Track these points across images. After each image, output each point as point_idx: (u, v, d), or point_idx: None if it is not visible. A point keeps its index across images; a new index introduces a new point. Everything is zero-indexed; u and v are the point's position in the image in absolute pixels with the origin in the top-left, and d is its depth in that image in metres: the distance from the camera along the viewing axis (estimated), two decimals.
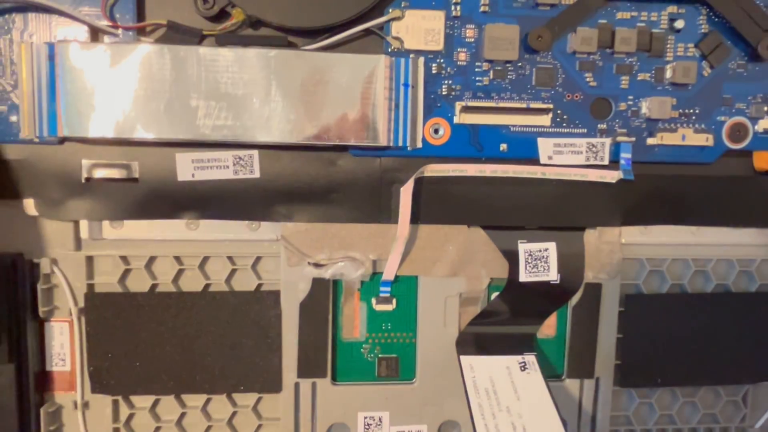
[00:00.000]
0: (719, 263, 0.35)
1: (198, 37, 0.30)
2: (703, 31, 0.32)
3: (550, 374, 0.34)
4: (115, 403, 0.32)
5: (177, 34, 0.30)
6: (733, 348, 0.35)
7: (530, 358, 0.32)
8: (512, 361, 0.32)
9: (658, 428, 0.36)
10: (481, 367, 0.31)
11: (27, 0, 0.29)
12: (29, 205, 0.30)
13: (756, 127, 0.33)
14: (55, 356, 0.32)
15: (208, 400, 0.33)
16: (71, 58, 0.28)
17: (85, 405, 0.32)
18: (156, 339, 0.32)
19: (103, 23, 0.29)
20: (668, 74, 0.32)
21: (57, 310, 0.31)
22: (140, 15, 0.30)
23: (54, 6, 0.29)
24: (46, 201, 0.30)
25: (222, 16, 0.30)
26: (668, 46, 0.32)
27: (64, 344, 0.32)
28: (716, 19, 0.32)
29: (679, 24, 0.32)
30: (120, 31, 0.29)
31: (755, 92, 0.33)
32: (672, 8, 0.32)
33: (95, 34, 0.30)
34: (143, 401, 0.32)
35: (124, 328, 0.31)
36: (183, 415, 0.33)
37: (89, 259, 0.31)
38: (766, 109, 0.33)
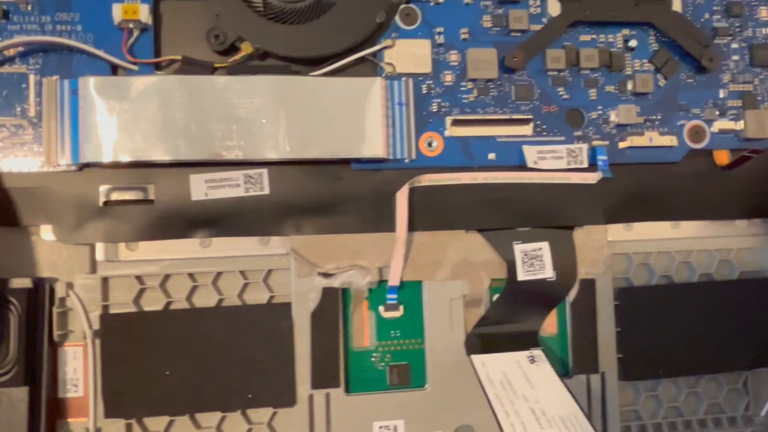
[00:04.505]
0: (700, 254, 0.37)
1: (210, 70, 0.33)
2: (653, 48, 0.37)
3: (557, 371, 0.35)
4: (129, 427, 0.32)
5: (191, 67, 0.33)
6: (726, 335, 0.37)
7: (537, 353, 0.34)
8: (521, 356, 0.33)
9: (667, 421, 0.37)
10: (492, 364, 0.32)
11: (52, 41, 0.31)
12: (47, 231, 0.32)
13: (711, 128, 0.37)
14: (68, 382, 0.31)
15: (222, 419, 0.33)
16: (95, 91, 0.31)
17: (98, 431, 0.31)
18: (170, 358, 0.32)
19: (123, 60, 0.32)
20: (629, 86, 0.36)
21: (71, 335, 0.32)
22: (157, 52, 0.33)
23: (78, 45, 0.32)
24: (64, 226, 0.32)
25: (231, 50, 0.33)
26: (626, 62, 0.36)
27: (77, 369, 0.32)
28: (663, 39, 0.37)
29: (633, 43, 0.36)
30: (138, 66, 0.32)
31: (706, 99, 0.37)
32: (625, 31, 0.37)
33: (114, 70, 0.32)
34: (157, 423, 0.32)
35: (139, 348, 0.32)
36: None
37: (104, 281, 0.32)
38: (717, 113, 0.37)
